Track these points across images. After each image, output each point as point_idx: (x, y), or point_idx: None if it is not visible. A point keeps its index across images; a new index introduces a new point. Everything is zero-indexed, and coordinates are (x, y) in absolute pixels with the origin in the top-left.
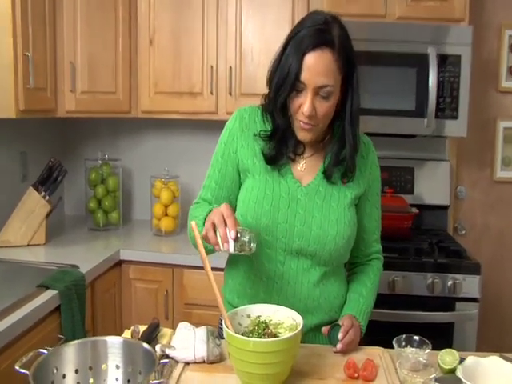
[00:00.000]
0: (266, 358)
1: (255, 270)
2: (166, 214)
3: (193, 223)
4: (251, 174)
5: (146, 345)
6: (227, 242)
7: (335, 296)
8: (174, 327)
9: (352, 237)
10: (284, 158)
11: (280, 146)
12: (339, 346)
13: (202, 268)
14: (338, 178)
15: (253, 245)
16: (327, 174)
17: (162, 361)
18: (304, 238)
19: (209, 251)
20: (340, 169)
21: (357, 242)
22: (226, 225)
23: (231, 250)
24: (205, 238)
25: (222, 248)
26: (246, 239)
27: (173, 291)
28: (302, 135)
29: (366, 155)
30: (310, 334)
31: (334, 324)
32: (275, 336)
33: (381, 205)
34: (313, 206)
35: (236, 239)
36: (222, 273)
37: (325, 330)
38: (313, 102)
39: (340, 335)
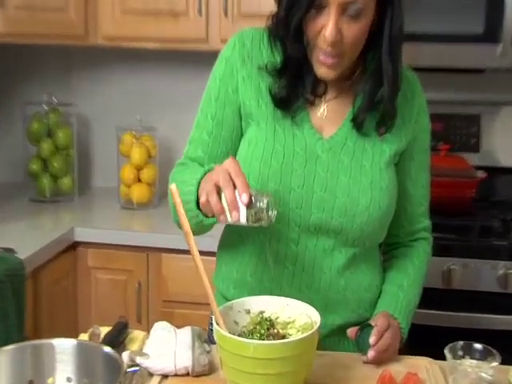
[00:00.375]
0: (270, 367)
1: (259, 251)
2: (139, 180)
3: (172, 186)
4: (255, 120)
5: (107, 348)
6: (237, 209)
7: (366, 288)
8: (148, 331)
9: (391, 207)
10: (299, 101)
11: (294, 85)
12: (371, 353)
13: (186, 252)
14: (372, 129)
15: (272, 212)
16: (357, 123)
17: (130, 369)
18: (326, 209)
19: (202, 227)
20: (375, 115)
21: (397, 215)
22: (234, 186)
23: (243, 220)
24: (203, 206)
25: (229, 218)
26: (264, 205)
27: (147, 284)
28: (323, 71)
29: (411, 96)
30: (331, 337)
31: (363, 324)
32: (283, 338)
33: (431, 166)
34: (338, 166)
35: (249, 205)
36: (213, 258)
37: (352, 332)
38: (338, 23)
39: (372, 339)
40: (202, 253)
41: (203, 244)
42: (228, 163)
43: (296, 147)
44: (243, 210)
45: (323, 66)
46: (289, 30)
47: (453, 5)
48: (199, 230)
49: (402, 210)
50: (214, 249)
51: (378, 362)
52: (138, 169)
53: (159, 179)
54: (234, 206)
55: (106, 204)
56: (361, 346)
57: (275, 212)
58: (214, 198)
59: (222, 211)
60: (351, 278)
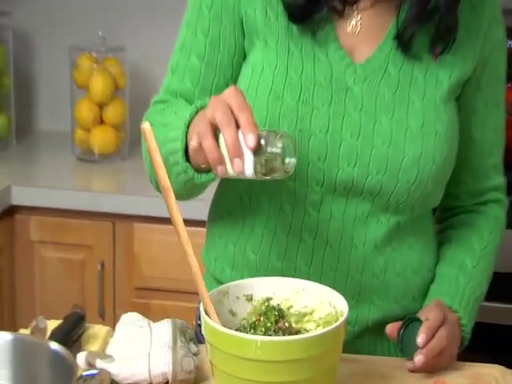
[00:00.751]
0: (279, 373)
1: (265, 219)
2: (102, 122)
3: (145, 125)
4: (261, 38)
5: (55, 345)
6: (240, 156)
7: (414, 269)
8: (114, 327)
9: (449, 160)
10: (323, 11)
11: None
12: (419, 358)
13: (168, 221)
14: (424, 49)
15: (289, 160)
16: (403, 40)
17: (86, 373)
18: (358, 162)
19: (191, 189)
20: (428, 30)
21: (458, 169)
22: (237, 125)
23: (248, 171)
24: (194, 154)
25: (230, 170)
26: (278, 149)
27: (113, 265)
28: None
29: (478, 3)
30: (365, 337)
31: (409, 318)
32: (297, 334)
33: (506, 100)
34: (375, 103)
35: (257, 150)
36: (203, 230)
37: (393, 329)
38: None
39: (420, 339)
40: (188, 222)
41: (190, 210)
42: (229, 93)
43: (318, 76)
44: (249, 158)
45: None
46: None
47: None
48: (188, 192)
49: (464, 163)
50: (205, 217)
51: (429, 369)
52: (101, 106)
53: (130, 120)
54: (237, 152)
55: (55, 154)
56: (405, 349)
57: (294, 160)
58: (208, 141)
59: (220, 160)
60: (393, 257)
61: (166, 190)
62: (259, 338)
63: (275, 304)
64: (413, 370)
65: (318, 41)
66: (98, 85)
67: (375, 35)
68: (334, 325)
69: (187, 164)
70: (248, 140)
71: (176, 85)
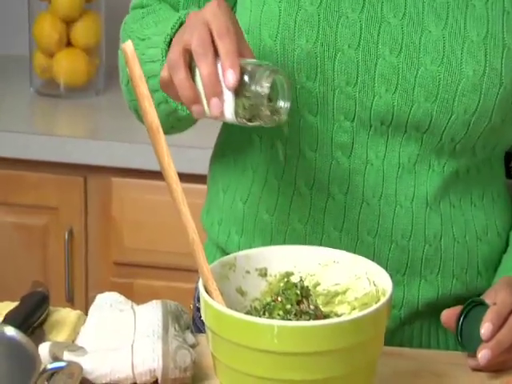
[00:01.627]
0: (303, 368)
1: (281, 168)
2: (69, 43)
3: (126, 44)
4: None
5: (12, 331)
6: (218, 94)
7: (479, 234)
8: (86, 311)
9: None
10: None
11: None
12: (483, 352)
13: (155, 175)
14: None
15: (281, 104)
16: None
17: (51, 365)
18: (400, 87)
19: (175, 122)
20: None
21: None
22: (216, 53)
23: (228, 114)
24: (165, 88)
25: (207, 111)
26: (264, 89)
27: (86, 232)
28: None
29: None
30: (415, 323)
31: (471, 302)
32: (326, 318)
33: None
34: (423, 6)
35: (238, 90)
36: (203, 187)
37: (449, 315)
38: None
39: (485, 328)
40: (183, 176)
41: (186, 161)
42: (209, 10)
43: None
44: (229, 98)
45: None
46: None
47: None
48: (172, 125)
49: None
50: (204, 170)
51: (497, 367)
52: (68, 22)
53: (106, 41)
54: (214, 90)
55: (7, 87)
56: (466, 341)
57: (287, 104)
58: (180, 75)
59: (195, 98)
60: (451, 217)
61: (153, 131)
62: (276, 323)
63: (297, 280)
64: (476, 368)
65: None
66: None
67: None
68: (374, 307)
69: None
70: (227, 76)
71: None
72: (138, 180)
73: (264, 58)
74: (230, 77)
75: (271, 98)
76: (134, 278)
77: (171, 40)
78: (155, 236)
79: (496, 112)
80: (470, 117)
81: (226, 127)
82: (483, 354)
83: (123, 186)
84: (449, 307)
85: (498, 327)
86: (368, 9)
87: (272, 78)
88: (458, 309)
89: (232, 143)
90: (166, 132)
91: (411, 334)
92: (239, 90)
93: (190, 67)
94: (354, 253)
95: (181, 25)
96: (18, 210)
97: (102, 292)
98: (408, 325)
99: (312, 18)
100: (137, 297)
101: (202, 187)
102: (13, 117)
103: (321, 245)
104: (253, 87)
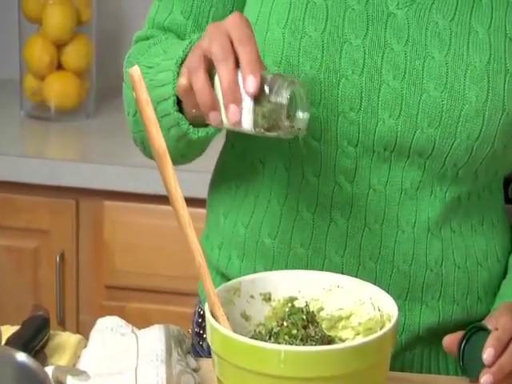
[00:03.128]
0: None
1: (284, 192)
2: (60, 66)
3: (134, 70)
4: None
5: (23, 356)
6: (237, 102)
7: (480, 259)
8: (78, 334)
9: None
10: None
11: None
12: (486, 378)
13: (147, 198)
14: None
15: (300, 114)
16: None
17: None
18: (404, 112)
19: (186, 147)
20: None
21: None
22: (236, 62)
23: (246, 124)
24: (183, 96)
25: (224, 119)
26: (284, 99)
27: (77, 256)
28: None
29: None
30: (416, 348)
31: (472, 327)
32: (331, 343)
33: None
34: (426, 33)
35: (259, 97)
36: (203, 211)
37: (451, 340)
38: None
39: (487, 354)
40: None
41: (188, 185)
42: (231, 21)
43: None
44: (248, 106)
45: None
46: None
47: None
48: (182, 152)
49: None
50: (200, 194)
51: None
52: (59, 45)
53: (97, 65)
54: (234, 97)
55: None
56: (467, 366)
57: (306, 114)
58: (199, 79)
59: (213, 103)
60: (452, 242)
61: (161, 156)
62: (283, 347)
63: (302, 305)
64: None
65: None
66: (55, 18)
67: None
68: (380, 332)
69: (179, 114)
70: (248, 83)
71: (163, 16)
72: (130, 203)
73: None
74: (250, 83)
75: (289, 109)
76: (125, 301)
77: (182, 63)
78: (147, 259)
79: (499, 137)
80: (473, 142)
81: (226, 152)
82: (486, 379)
83: (115, 209)
84: (449, 332)
85: (500, 352)
86: (371, 35)
87: (291, 88)
88: (459, 334)
89: (233, 168)
90: (175, 161)
91: (412, 359)
92: (258, 99)
93: (210, 75)
94: (356, 277)
95: (190, 46)
96: (9, 233)
97: (92, 317)
98: (409, 350)
99: (316, 44)
100: (129, 320)
101: (203, 212)
102: (3, 140)
103: (323, 269)
104: (273, 97)
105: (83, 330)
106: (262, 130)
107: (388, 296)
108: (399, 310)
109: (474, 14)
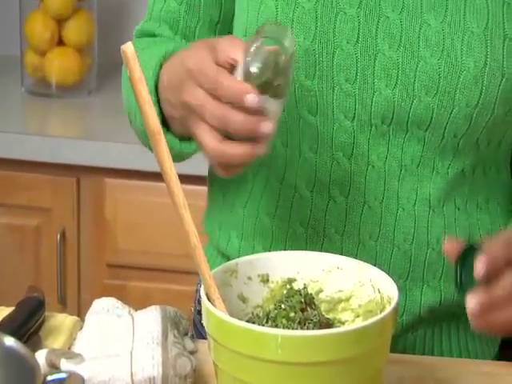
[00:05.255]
0: (307, 379)
1: (282, 169)
2: (61, 42)
3: (127, 46)
4: None
5: (10, 340)
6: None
7: (485, 238)
8: (80, 316)
9: None
10: None
11: None
12: (471, 303)
13: (149, 176)
14: None
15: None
16: None
17: (51, 377)
18: (401, 81)
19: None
20: None
21: None
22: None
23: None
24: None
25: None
26: (255, 67)
27: (78, 233)
28: None
29: None
30: (418, 329)
31: (468, 245)
32: (330, 327)
33: None
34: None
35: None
36: (204, 188)
37: (451, 249)
38: None
39: (478, 269)
40: (184, 178)
41: (187, 162)
42: (197, 69)
43: None
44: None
45: None
46: None
47: None
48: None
49: None
50: (205, 172)
51: (487, 326)
52: (59, 21)
53: (99, 40)
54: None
55: None
56: (462, 282)
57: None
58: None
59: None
60: (456, 220)
61: (154, 134)
62: (280, 332)
63: (300, 287)
64: (473, 319)
65: None
66: None
67: None
68: (380, 315)
69: (169, 135)
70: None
71: (159, 7)
72: (132, 181)
73: None
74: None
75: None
76: (127, 280)
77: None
78: (149, 238)
79: (499, 104)
80: (473, 110)
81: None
82: (470, 304)
83: (117, 187)
84: (451, 314)
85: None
86: (366, 3)
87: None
88: (459, 245)
89: None
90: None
91: (414, 341)
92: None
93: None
94: (356, 257)
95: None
96: (10, 211)
97: (94, 295)
98: (411, 332)
99: (309, 14)
100: (130, 299)
101: (204, 189)
102: (4, 117)
103: (322, 249)
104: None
105: (84, 309)
106: (256, 78)
107: (388, 278)
108: (400, 290)
109: None
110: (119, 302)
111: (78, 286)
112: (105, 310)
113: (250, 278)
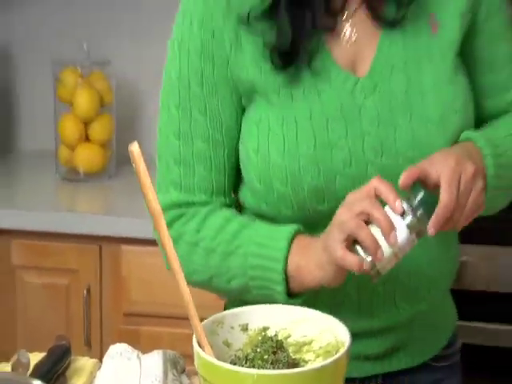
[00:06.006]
0: None
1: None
2: (87, 139)
3: (133, 146)
4: (261, 93)
5: (38, 383)
6: (394, 229)
7: (444, 261)
8: (101, 358)
9: (471, 126)
10: (312, 38)
11: (299, 14)
12: (431, 230)
13: (156, 243)
14: (425, 24)
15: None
16: (396, 19)
17: None
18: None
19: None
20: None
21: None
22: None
23: (402, 237)
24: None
25: (385, 249)
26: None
27: (100, 290)
28: None
29: None
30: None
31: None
32: (296, 366)
33: None
34: (391, 106)
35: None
36: None
37: (408, 177)
38: None
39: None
40: None
41: None
42: (373, 184)
43: (328, 110)
44: (401, 223)
45: None
46: None
47: None
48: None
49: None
50: None
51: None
52: (86, 122)
53: (117, 137)
54: (389, 228)
55: (37, 174)
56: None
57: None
58: (363, 233)
59: (376, 245)
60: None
61: (157, 216)
62: (255, 371)
63: (272, 334)
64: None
65: (316, 70)
66: (83, 100)
67: (372, 33)
68: (336, 356)
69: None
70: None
71: (189, 179)
72: (142, 247)
73: (278, 201)
74: (398, 205)
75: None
76: (140, 325)
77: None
78: (157, 291)
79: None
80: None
81: None
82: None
83: (131, 252)
84: None
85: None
86: (352, 130)
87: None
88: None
89: None
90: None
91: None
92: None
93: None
94: None
95: (293, 236)
96: (46, 272)
97: (113, 339)
98: (380, 362)
99: (311, 160)
100: (142, 342)
101: None
102: (42, 198)
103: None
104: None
105: (106, 349)
106: (413, 235)
107: (343, 326)
108: (373, 317)
109: (420, 71)
110: (129, 347)
111: (101, 331)
112: (118, 354)
113: (232, 328)
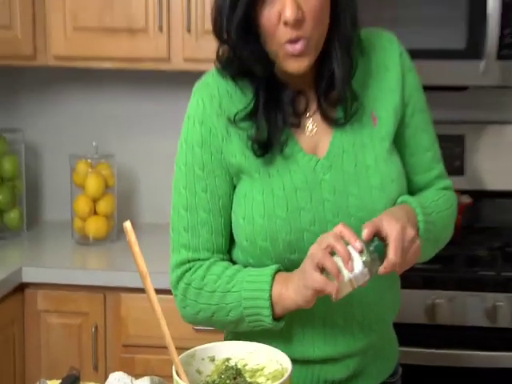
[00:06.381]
0: None
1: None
2: (95, 213)
3: (127, 223)
4: (246, 173)
5: None
6: (351, 259)
7: (389, 301)
8: (105, 379)
9: (404, 192)
10: (284, 132)
11: (272, 116)
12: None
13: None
14: (368, 119)
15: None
16: (344, 121)
17: None
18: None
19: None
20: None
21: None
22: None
23: (358, 268)
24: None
25: (345, 274)
26: (372, 249)
27: (105, 327)
28: (294, 65)
29: (390, 63)
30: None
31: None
32: None
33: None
34: (344, 180)
35: (362, 251)
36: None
37: (370, 231)
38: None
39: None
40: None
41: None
42: (337, 230)
43: (296, 184)
44: (357, 258)
45: (292, 59)
46: (244, 35)
47: (433, 17)
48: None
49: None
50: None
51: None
52: (94, 200)
53: (118, 211)
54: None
55: (58, 240)
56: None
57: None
58: (329, 261)
59: (337, 272)
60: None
61: (144, 277)
62: None
63: (233, 363)
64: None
65: (287, 155)
66: (93, 184)
67: (327, 128)
68: (281, 379)
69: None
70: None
71: (195, 241)
72: (137, 294)
73: (261, 254)
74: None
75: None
76: (135, 354)
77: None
78: (150, 327)
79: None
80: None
81: None
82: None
83: (128, 298)
84: None
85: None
86: (315, 198)
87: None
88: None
89: None
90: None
91: None
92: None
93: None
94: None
95: (273, 276)
96: (64, 315)
97: (115, 365)
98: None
99: (285, 221)
100: (137, 367)
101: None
102: (61, 258)
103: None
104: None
105: (109, 372)
106: (366, 269)
107: (286, 356)
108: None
109: (365, 154)
110: (126, 374)
111: (105, 358)
112: (116, 380)
113: (203, 359)
